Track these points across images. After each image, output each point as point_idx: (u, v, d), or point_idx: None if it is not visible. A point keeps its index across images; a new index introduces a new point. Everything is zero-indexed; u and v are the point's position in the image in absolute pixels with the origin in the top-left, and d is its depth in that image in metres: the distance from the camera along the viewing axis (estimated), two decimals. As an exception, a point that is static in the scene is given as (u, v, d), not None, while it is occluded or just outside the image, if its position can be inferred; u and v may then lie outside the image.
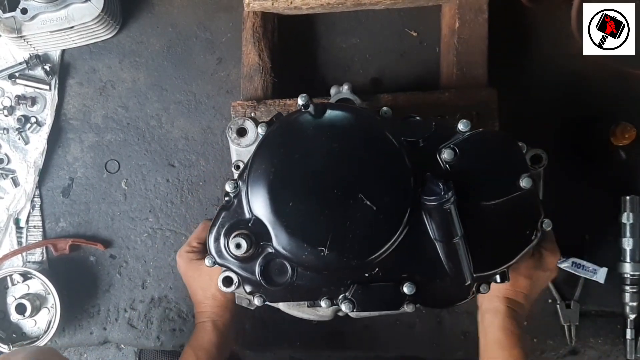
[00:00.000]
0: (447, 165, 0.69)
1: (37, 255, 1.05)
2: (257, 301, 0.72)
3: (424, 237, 0.68)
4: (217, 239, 0.71)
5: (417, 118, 0.72)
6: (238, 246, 0.67)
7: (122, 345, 1.08)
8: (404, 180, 0.67)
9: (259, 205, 0.68)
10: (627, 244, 0.93)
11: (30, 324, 1.02)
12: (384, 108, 0.73)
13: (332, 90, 0.83)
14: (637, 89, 0.96)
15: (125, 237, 1.05)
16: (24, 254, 1.04)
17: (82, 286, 1.05)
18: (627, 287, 0.94)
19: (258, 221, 0.68)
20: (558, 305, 0.96)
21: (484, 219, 0.69)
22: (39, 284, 1.02)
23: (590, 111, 0.97)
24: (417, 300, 0.70)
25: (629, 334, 0.95)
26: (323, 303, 0.71)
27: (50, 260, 1.05)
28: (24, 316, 0.99)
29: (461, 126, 0.69)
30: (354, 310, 0.70)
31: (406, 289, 0.68)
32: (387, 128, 0.69)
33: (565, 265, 0.95)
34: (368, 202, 0.66)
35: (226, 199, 0.72)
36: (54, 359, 0.81)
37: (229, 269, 0.71)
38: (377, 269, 0.69)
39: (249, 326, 1.01)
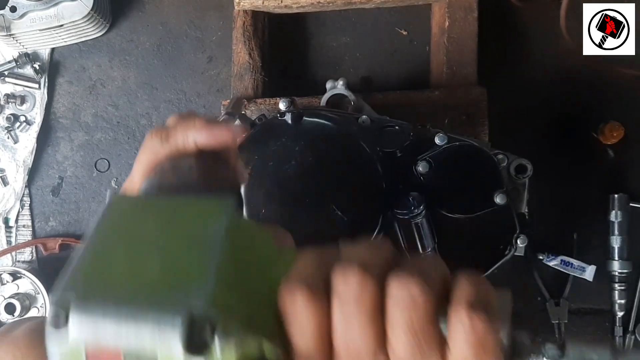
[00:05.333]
0: (421, 177, 0.69)
1: (27, 254, 1.04)
2: None
3: (397, 248, 0.69)
4: None
5: (396, 127, 0.72)
6: None
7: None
8: (376, 192, 0.67)
9: None
10: (615, 242, 0.94)
11: (20, 324, 1.02)
12: (363, 117, 0.73)
13: (328, 85, 0.84)
14: (626, 87, 0.97)
15: (116, 236, 1.04)
16: (13, 253, 1.04)
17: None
18: (616, 285, 0.95)
19: None
20: (547, 303, 0.97)
21: (458, 231, 0.69)
22: (28, 283, 1.01)
23: (579, 110, 0.98)
24: None
25: (617, 331, 0.95)
26: None
27: (39, 260, 1.05)
28: (13, 316, 0.99)
29: (437, 140, 0.69)
30: None
31: None
32: (364, 138, 0.69)
33: (554, 263, 0.95)
34: (339, 213, 0.67)
35: None
36: None
37: None
38: None
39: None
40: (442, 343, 0.35)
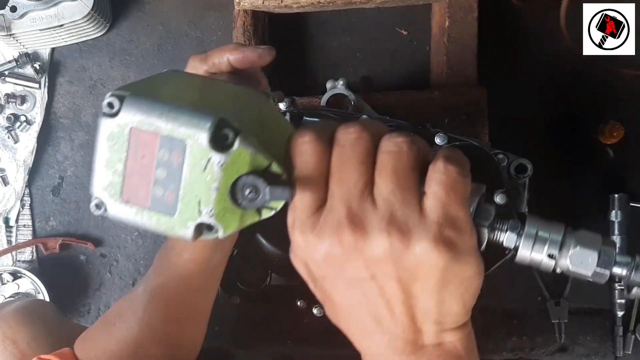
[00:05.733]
0: None
1: (27, 254, 1.04)
2: (234, 300, 0.75)
3: None
4: None
5: (396, 127, 0.72)
6: None
7: (113, 344, 1.08)
8: None
9: None
10: (616, 241, 0.94)
11: (20, 323, 1.02)
12: (363, 116, 0.73)
13: (328, 85, 0.84)
14: (626, 87, 0.97)
15: (116, 236, 1.04)
16: (14, 253, 1.04)
17: (72, 285, 1.04)
18: (616, 285, 0.94)
19: None
20: (547, 303, 0.97)
21: None
22: (28, 283, 1.01)
23: (579, 110, 0.98)
24: None
25: (617, 331, 0.95)
26: (299, 303, 0.72)
27: (40, 259, 1.05)
28: (13, 315, 0.99)
29: (437, 140, 0.69)
30: (324, 315, 0.72)
31: None
32: None
33: (554, 263, 0.95)
34: None
35: None
36: (47, 312, 0.80)
37: None
38: None
39: (240, 324, 1.01)
40: (420, 192, 0.42)
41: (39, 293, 1.00)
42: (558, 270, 0.48)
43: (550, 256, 0.46)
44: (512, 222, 0.48)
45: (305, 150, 0.42)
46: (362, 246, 0.41)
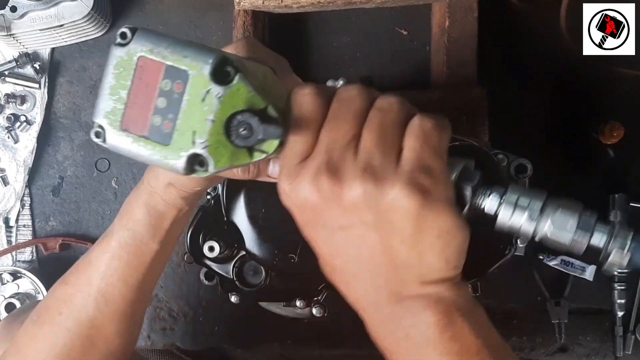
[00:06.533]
0: None
1: (27, 254, 1.04)
2: (233, 299, 0.75)
3: None
4: (194, 239, 0.73)
5: None
6: (211, 249, 0.71)
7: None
8: None
9: (233, 209, 0.71)
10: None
11: (20, 324, 1.02)
12: None
13: (328, 84, 0.84)
14: (626, 87, 0.97)
15: (116, 236, 1.04)
16: (14, 253, 1.04)
17: (72, 285, 1.04)
18: (616, 285, 0.95)
19: (232, 224, 0.71)
20: (547, 303, 0.97)
21: None
22: (28, 283, 1.01)
23: (579, 110, 0.98)
24: None
25: (617, 331, 0.95)
26: (298, 303, 0.73)
27: (40, 260, 1.05)
28: (13, 315, 0.99)
29: None
30: (325, 315, 0.72)
31: None
32: None
33: (554, 263, 0.95)
34: None
35: (207, 197, 0.74)
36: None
37: (206, 267, 0.74)
38: None
39: (239, 325, 1.01)
40: (401, 148, 0.44)
41: (38, 293, 1.00)
42: (537, 238, 0.48)
43: (531, 218, 0.47)
44: (494, 187, 0.48)
45: (304, 100, 0.45)
46: (339, 193, 0.43)
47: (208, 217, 0.73)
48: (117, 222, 0.64)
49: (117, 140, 0.44)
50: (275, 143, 0.43)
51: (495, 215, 0.48)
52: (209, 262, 0.73)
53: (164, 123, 0.42)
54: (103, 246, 0.64)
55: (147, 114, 0.42)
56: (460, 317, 0.45)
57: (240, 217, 0.70)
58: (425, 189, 0.42)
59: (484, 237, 0.69)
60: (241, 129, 0.41)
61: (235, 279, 0.73)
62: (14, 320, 0.74)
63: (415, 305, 0.45)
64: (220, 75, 0.41)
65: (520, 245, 0.71)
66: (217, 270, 0.74)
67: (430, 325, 0.45)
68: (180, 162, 0.42)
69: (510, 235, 0.70)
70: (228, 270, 0.74)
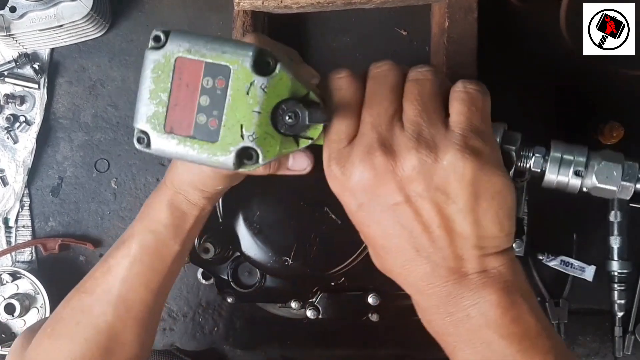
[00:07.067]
0: None
1: (26, 254, 1.04)
2: (229, 300, 0.76)
3: None
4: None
5: None
6: (206, 250, 0.72)
7: (113, 345, 1.08)
8: None
9: (228, 211, 0.71)
10: (615, 242, 0.94)
11: (20, 324, 1.02)
12: None
13: None
14: (626, 87, 0.97)
15: (115, 237, 1.03)
16: (13, 253, 1.04)
17: (71, 286, 1.03)
18: (615, 285, 0.95)
19: (228, 226, 0.71)
20: (547, 303, 0.97)
21: None
22: (28, 283, 1.01)
23: (579, 110, 0.98)
24: (383, 311, 0.72)
25: (617, 331, 0.95)
26: (293, 304, 0.73)
27: (39, 260, 1.05)
28: (12, 316, 0.98)
29: None
30: (319, 317, 0.72)
31: (371, 299, 0.71)
32: None
33: (553, 263, 0.95)
34: (333, 216, 0.68)
35: None
36: None
37: (203, 267, 0.75)
38: (342, 279, 0.71)
39: (239, 325, 1.01)
40: (444, 114, 0.46)
41: (38, 294, 1.00)
42: (585, 189, 0.50)
43: (577, 173, 0.49)
44: (537, 147, 0.51)
45: (341, 83, 0.47)
46: (393, 167, 0.44)
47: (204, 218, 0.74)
48: (137, 224, 0.63)
49: (163, 144, 0.44)
50: (319, 128, 0.44)
51: (542, 173, 0.49)
52: (204, 263, 0.74)
53: (210, 120, 0.42)
54: (122, 251, 0.63)
55: (191, 114, 0.42)
56: (520, 298, 0.45)
57: (236, 219, 0.71)
58: (479, 151, 0.43)
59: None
60: (287, 117, 0.42)
61: (230, 280, 0.74)
62: (33, 334, 0.70)
63: (475, 282, 0.44)
64: (261, 67, 0.42)
65: (517, 249, 0.71)
66: (213, 271, 0.75)
67: (493, 305, 0.44)
68: (230, 157, 0.42)
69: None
70: (223, 271, 0.74)
